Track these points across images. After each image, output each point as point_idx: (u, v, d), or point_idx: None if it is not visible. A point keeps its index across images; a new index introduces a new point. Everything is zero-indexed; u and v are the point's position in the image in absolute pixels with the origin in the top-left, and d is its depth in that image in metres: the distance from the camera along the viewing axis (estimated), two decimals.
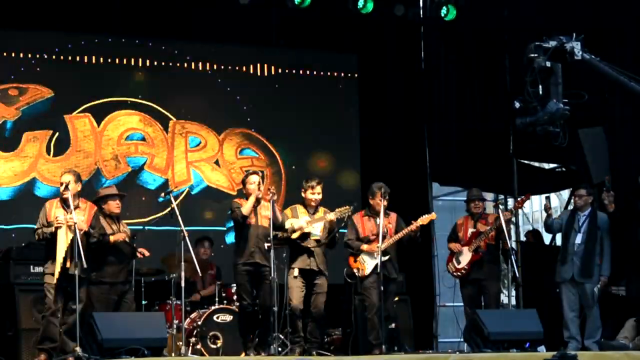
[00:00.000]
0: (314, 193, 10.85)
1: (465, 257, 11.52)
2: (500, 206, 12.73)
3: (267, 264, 10.45)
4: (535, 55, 8.49)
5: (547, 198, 11.67)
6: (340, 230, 11.24)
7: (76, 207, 9.98)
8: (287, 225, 10.72)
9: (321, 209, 10.92)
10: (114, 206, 10.71)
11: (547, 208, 11.54)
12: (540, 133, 8.81)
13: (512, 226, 12.17)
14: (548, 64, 8.50)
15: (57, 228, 9.83)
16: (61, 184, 10.10)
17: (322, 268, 10.77)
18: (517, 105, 8.58)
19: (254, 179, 10.60)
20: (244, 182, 10.75)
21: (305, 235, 10.78)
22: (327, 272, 10.77)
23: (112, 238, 10.48)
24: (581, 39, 8.64)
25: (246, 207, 10.49)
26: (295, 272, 10.71)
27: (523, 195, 11.76)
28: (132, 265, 10.79)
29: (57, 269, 9.76)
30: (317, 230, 10.82)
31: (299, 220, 10.78)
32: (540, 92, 8.48)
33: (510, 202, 14.86)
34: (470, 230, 11.59)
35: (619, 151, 12.68)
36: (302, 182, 11.05)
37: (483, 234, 11.43)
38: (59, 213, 9.95)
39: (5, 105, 12.81)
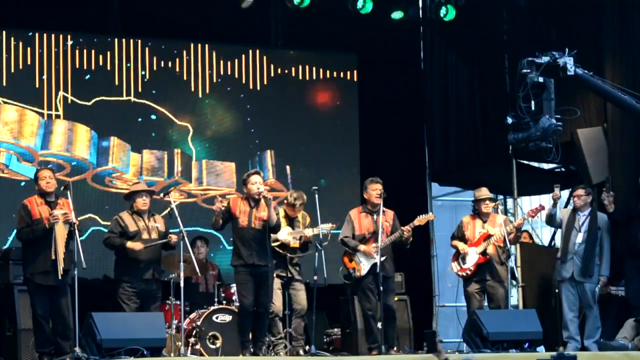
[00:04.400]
0: (294, 211, 10.89)
1: (472, 258, 11.44)
2: (500, 207, 12.70)
3: (266, 263, 10.43)
4: (528, 70, 8.47)
5: (557, 187, 11.49)
6: (334, 231, 11.29)
7: (57, 203, 9.94)
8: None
9: (300, 215, 10.95)
10: (140, 203, 10.48)
11: (556, 197, 11.41)
12: (532, 149, 8.80)
13: (520, 234, 12.05)
14: (541, 79, 8.47)
15: (53, 224, 9.75)
16: (37, 178, 9.97)
17: (295, 275, 10.89)
18: (510, 120, 8.56)
19: (256, 178, 10.45)
20: (245, 182, 10.61)
21: (283, 245, 10.89)
22: (314, 277, 10.67)
23: (128, 245, 10.33)
24: (574, 54, 8.63)
25: (216, 223, 10.42)
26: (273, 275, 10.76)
27: (537, 206, 11.65)
28: (160, 265, 10.65)
29: (62, 265, 9.67)
30: (295, 239, 10.92)
31: (281, 232, 10.82)
32: (533, 108, 8.44)
33: (510, 202, 14.86)
34: (479, 230, 11.48)
35: (618, 151, 12.67)
36: (288, 194, 11.06)
37: (492, 237, 11.36)
38: (45, 210, 9.88)
39: None
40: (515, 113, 8.57)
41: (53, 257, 9.72)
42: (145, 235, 10.42)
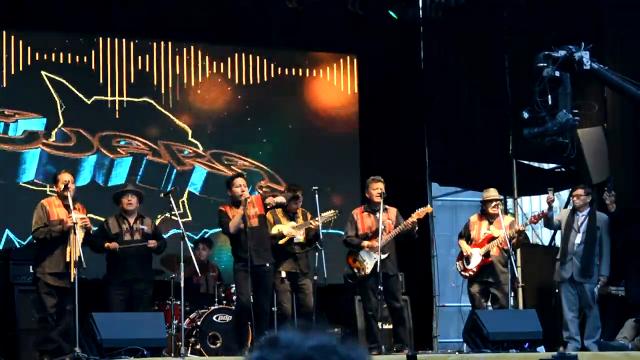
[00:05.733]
0: (297, 203, 10.85)
1: (475, 259, 11.46)
2: (500, 206, 12.68)
3: (266, 262, 10.44)
4: (544, 64, 8.35)
5: (551, 190, 11.52)
6: (334, 231, 11.26)
7: (74, 208, 9.98)
8: (274, 231, 10.70)
9: (300, 212, 10.92)
10: (125, 203, 10.64)
11: (550, 200, 11.46)
12: (548, 144, 8.69)
13: (522, 238, 12.04)
14: (557, 73, 8.36)
15: (70, 227, 9.79)
16: (57, 181, 10.06)
17: (305, 270, 10.82)
18: (526, 115, 8.45)
19: (240, 181, 10.51)
20: (229, 185, 10.64)
21: (290, 240, 10.82)
22: (314, 276, 10.70)
23: (106, 245, 10.46)
24: (589, 49, 8.53)
25: (233, 225, 10.36)
26: (282, 274, 10.71)
27: (539, 212, 11.66)
28: (150, 265, 10.76)
29: (75, 269, 9.74)
30: (299, 234, 10.84)
31: (285, 227, 10.78)
32: (550, 102, 8.33)
33: (510, 202, 14.85)
34: (484, 231, 11.49)
35: (618, 152, 12.67)
36: (284, 188, 11.03)
37: (496, 240, 11.36)
38: (62, 212, 9.92)
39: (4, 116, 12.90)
40: (531, 107, 8.47)
41: (68, 260, 9.77)
42: (127, 237, 10.54)
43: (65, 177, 10.13)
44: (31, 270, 10.75)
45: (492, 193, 11.63)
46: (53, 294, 9.89)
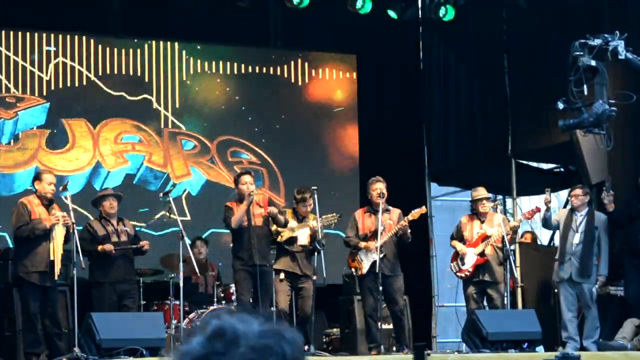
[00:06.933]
0: (306, 206, 10.83)
1: (470, 259, 11.42)
2: (499, 206, 12.69)
3: (266, 263, 10.45)
4: (580, 53, 8.12)
5: (548, 191, 11.53)
6: (334, 232, 11.23)
7: (52, 207, 9.97)
8: (272, 228, 10.71)
9: (311, 216, 10.91)
10: (107, 207, 10.67)
11: (547, 201, 11.46)
12: (584, 135, 8.52)
13: (516, 235, 12.05)
14: (593, 62, 8.15)
15: (53, 225, 9.79)
16: (41, 180, 10.06)
17: (306, 272, 10.72)
18: (561, 106, 8.24)
19: (246, 179, 10.52)
20: (236, 182, 10.69)
21: (292, 240, 10.80)
22: (314, 276, 10.68)
23: (99, 248, 10.46)
24: (624, 38, 8.34)
25: (236, 218, 10.39)
26: (281, 275, 10.70)
27: (533, 207, 11.67)
28: (133, 265, 10.79)
29: (58, 266, 9.73)
30: (303, 235, 10.81)
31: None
32: (585, 92, 8.12)
33: (509, 202, 14.86)
34: (477, 230, 11.46)
35: (618, 151, 12.65)
36: (294, 192, 11.01)
37: (490, 238, 11.34)
38: (43, 211, 9.89)
39: (4, 109, 12.87)
40: (566, 98, 8.26)
41: (52, 258, 9.75)
42: (114, 239, 10.59)
43: (50, 178, 10.09)
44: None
45: (481, 192, 11.62)
46: (37, 294, 9.84)
